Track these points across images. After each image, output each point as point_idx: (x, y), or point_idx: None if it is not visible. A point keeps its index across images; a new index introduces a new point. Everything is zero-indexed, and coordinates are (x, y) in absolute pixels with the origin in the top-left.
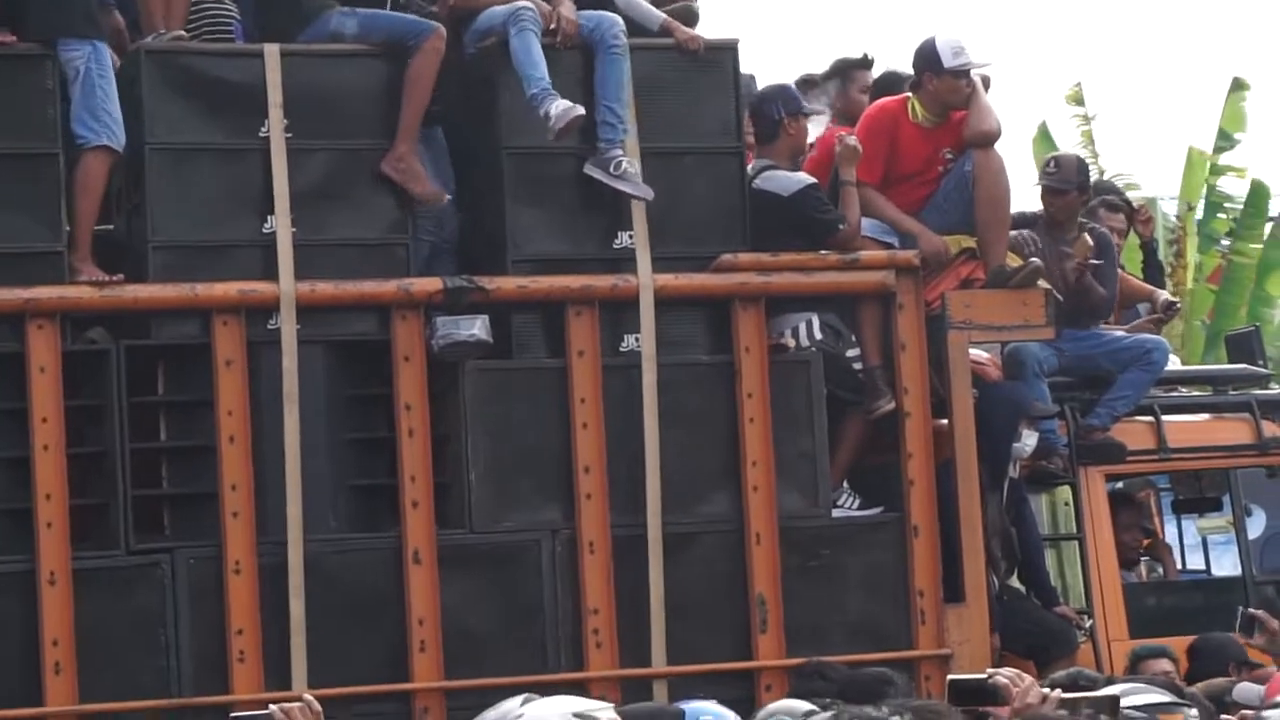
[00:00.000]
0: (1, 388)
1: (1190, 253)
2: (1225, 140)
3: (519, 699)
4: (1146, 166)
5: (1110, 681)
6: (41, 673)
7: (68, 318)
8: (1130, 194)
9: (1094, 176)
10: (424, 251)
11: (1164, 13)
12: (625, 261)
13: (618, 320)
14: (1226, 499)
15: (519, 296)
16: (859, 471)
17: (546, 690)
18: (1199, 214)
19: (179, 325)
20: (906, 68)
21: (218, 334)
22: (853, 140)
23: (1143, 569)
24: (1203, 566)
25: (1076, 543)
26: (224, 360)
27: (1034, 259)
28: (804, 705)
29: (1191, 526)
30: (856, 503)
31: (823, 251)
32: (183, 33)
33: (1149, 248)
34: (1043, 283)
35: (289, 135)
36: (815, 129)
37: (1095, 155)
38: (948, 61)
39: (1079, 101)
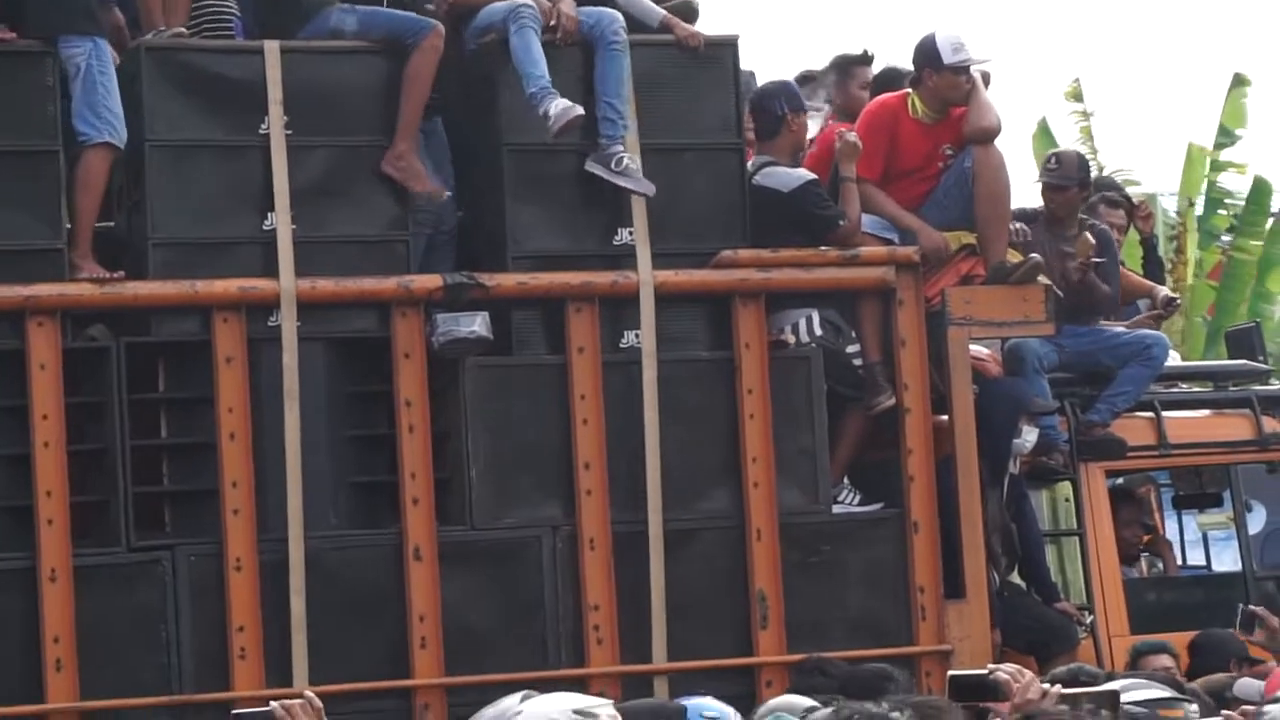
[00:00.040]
0: (2, 385)
1: (1190, 249)
2: (1226, 136)
3: (518, 696)
4: (1146, 163)
5: (1111, 677)
6: (42, 670)
7: (68, 315)
8: (1130, 190)
9: (1094, 173)
10: (420, 245)
11: (1165, 9)
12: (625, 258)
13: (618, 317)
14: (1227, 495)
15: (519, 293)
16: (859, 467)
17: (547, 687)
18: (1199, 210)
19: (179, 322)
20: (906, 64)
21: (218, 331)
22: (853, 136)
23: (1143, 565)
24: (1203, 562)
25: (1077, 538)
26: (224, 357)
27: (1034, 255)
28: (805, 701)
29: (1192, 522)
30: (857, 499)
31: (823, 248)
32: (183, 29)
33: (1149, 244)
34: (1043, 278)
35: (289, 132)
36: (813, 125)
37: (1094, 151)
38: (947, 58)
39: (1078, 98)
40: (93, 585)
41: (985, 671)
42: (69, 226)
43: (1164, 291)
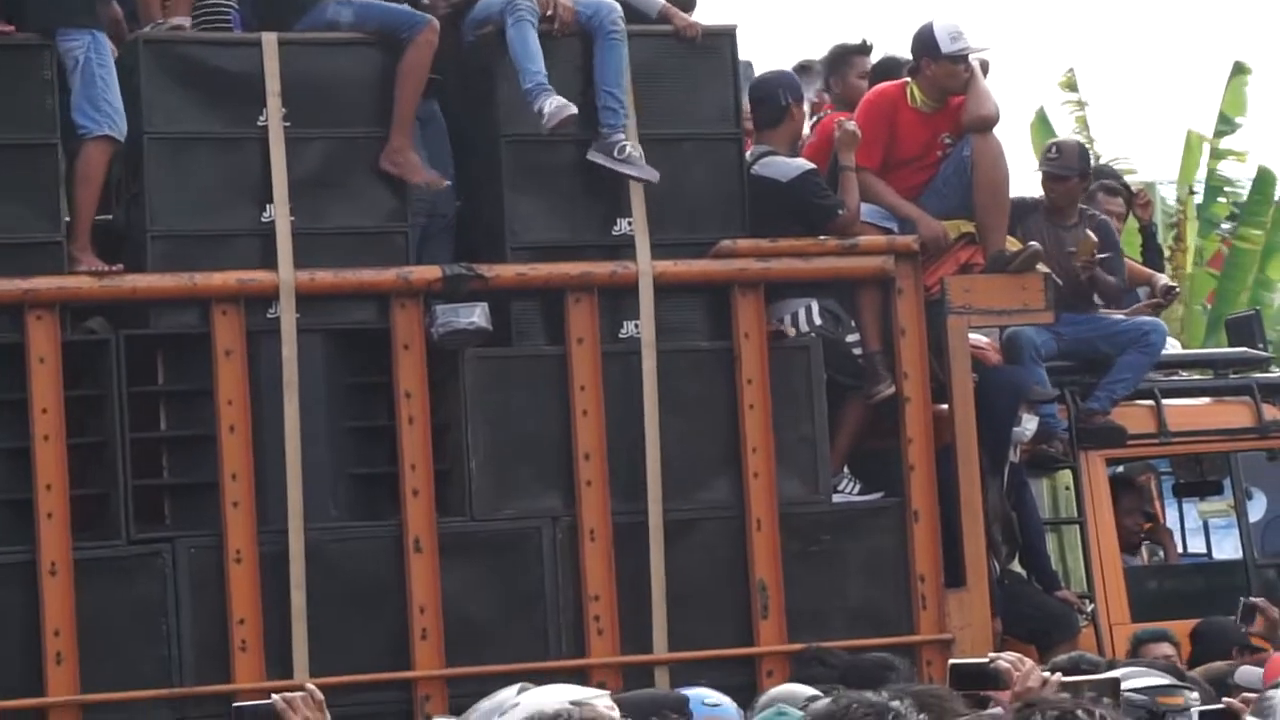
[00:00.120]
0: (1, 378)
1: (1190, 237)
2: (1226, 124)
3: (515, 688)
4: (1145, 151)
5: (1112, 665)
6: (43, 663)
7: (67, 308)
8: (1128, 179)
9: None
10: (415, 235)
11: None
12: (624, 248)
13: (617, 307)
14: (1227, 482)
15: (518, 284)
16: (859, 457)
17: (548, 678)
18: (1199, 198)
19: (178, 315)
20: (905, 53)
21: (217, 323)
22: (852, 125)
23: (1144, 553)
24: (1204, 550)
25: (1077, 527)
26: (223, 349)
27: (1033, 243)
28: (806, 690)
29: (1192, 510)
30: (857, 488)
31: (822, 237)
32: (185, 21)
33: (1148, 232)
34: (1041, 267)
35: (287, 124)
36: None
37: (1091, 141)
38: (945, 47)
39: (1072, 88)
40: (93, 578)
41: (986, 660)
42: (68, 220)
43: (1163, 280)
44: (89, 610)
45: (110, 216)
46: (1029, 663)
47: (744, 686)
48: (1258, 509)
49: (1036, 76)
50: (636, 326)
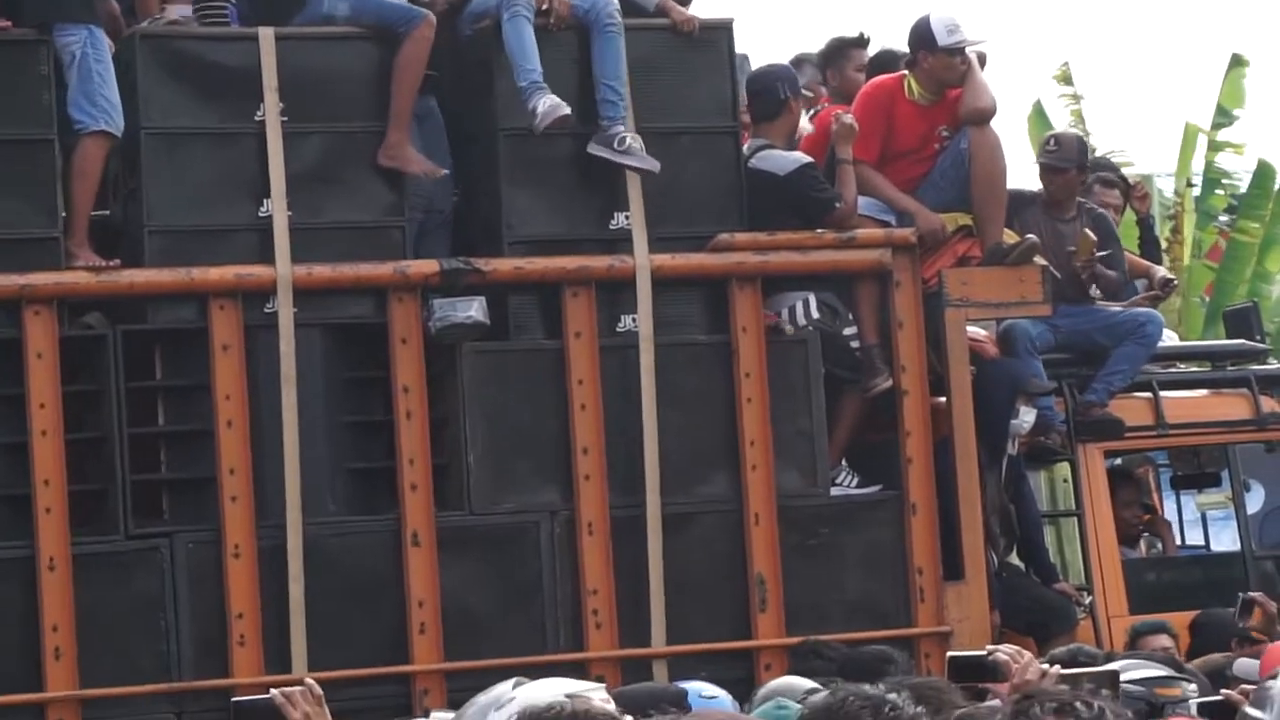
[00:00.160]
0: None
1: (1188, 229)
2: (1224, 117)
3: (510, 683)
4: (1142, 144)
5: (1110, 658)
6: (42, 658)
7: (65, 303)
8: (1125, 171)
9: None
10: (412, 230)
11: None
12: (622, 242)
13: (615, 301)
14: (1225, 474)
15: (515, 278)
16: (857, 450)
17: (546, 671)
18: (1196, 190)
19: (176, 309)
20: (902, 46)
21: (214, 318)
22: (849, 118)
23: (1142, 545)
24: (1202, 542)
25: (1075, 519)
26: (221, 344)
27: (1030, 235)
28: (805, 683)
29: (1190, 502)
30: (855, 481)
31: (819, 230)
32: (187, 9)
33: (1145, 224)
34: (1039, 259)
35: (284, 119)
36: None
37: (1087, 134)
38: (942, 40)
39: (1067, 81)
40: (91, 573)
41: (984, 652)
42: (65, 215)
43: (1161, 272)
44: (87, 605)
45: (107, 212)
46: (1027, 655)
47: (742, 680)
48: (1256, 501)
49: (1033, 70)
50: (634, 320)
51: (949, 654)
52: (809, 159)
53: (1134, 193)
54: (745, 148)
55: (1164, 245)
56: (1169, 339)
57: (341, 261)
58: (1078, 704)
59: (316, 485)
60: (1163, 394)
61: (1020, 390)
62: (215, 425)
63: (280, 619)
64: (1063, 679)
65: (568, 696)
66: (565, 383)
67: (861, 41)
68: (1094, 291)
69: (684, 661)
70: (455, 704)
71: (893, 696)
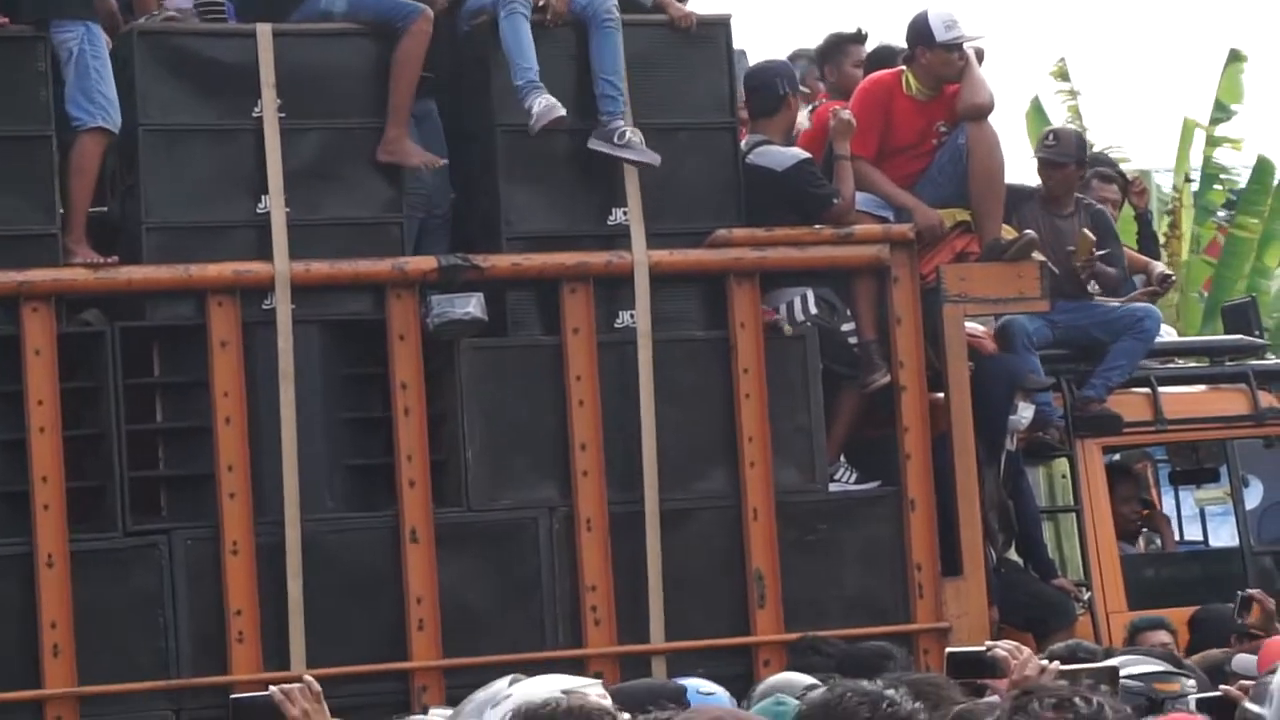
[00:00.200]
0: None
1: (1186, 224)
2: (1222, 112)
3: (506, 680)
4: (1139, 140)
5: (1109, 653)
6: (40, 655)
7: (62, 300)
8: (1123, 166)
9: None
10: (413, 229)
11: None
12: (619, 238)
13: (613, 297)
14: (1224, 470)
15: (513, 274)
16: (855, 446)
17: (545, 668)
18: (1195, 185)
19: (174, 306)
20: (900, 41)
21: (212, 315)
22: (847, 114)
23: (1141, 541)
24: (1200, 537)
25: (1074, 515)
26: (219, 341)
27: (1028, 231)
28: (804, 679)
29: (1189, 498)
30: (853, 477)
31: (817, 226)
32: (186, 3)
33: (1143, 219)
34: (1037, 255)
35: (282, 115)
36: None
37: (1084, 130)
38: (940, 35)
39: (1064, 77)
40: (89, 570)
41: (983, 648)
42: (62, 212)
43: (1159, 268)
44: (86, 602)
45: (105, 208)
46: (1027, 651)
47: (741, 676)
48: (1254, 496)
49: (1031, 66)
50: (632, 316)
51: (948, 650)
52: (807, 155)
53: (1132, 188)
54: (743, 143)
55: (1162, 240)
56: (1167, 334)
57: (339, 258)
58: (1076, 699)
59: (315, 482)
60: (1161, 389)
61: (1018, 386)
62: (213, 422)
63: (279, 616)
64: (1062, 675)
65: (564, 693)
66: (563, 379)
67: (859, 37)
68: (1092, 287)
69: (683, 658)
70: (454, 701)
71: (890, 692)
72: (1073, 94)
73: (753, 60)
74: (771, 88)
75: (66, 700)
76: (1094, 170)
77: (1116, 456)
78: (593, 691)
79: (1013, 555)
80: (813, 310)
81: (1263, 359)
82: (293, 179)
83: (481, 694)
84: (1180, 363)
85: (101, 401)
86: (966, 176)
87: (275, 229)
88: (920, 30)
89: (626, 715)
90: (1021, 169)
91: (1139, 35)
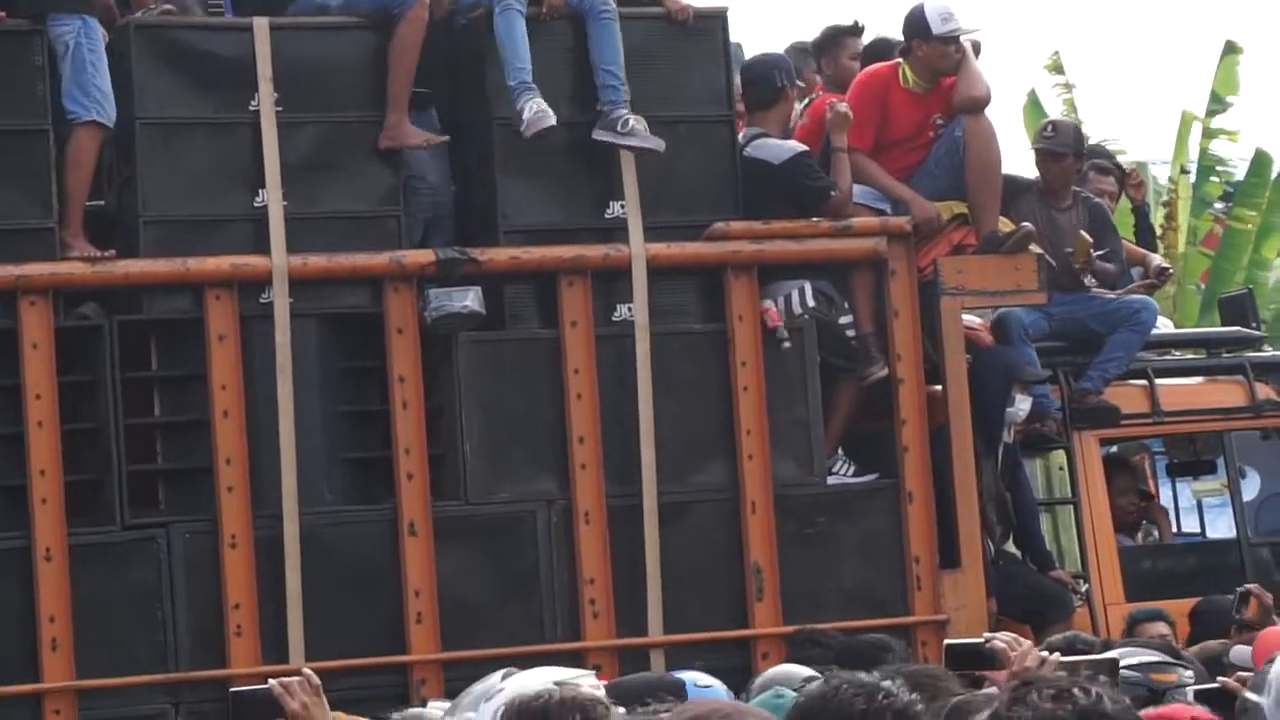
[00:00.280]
0: None
1: (1183, 216)
2: (1218, 104)
3: (500, 674)
4: (1135, 132)
5: (1107, 645)
6: (38, 649)
7: (60, 293)
8: (1119, 158)
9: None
10: (418, 229)
11: None
12: (617, 231)
13: (610, 290)
14: (1221, 462)
15: (511, 267)
16: (853, 439)
17: (543, 661)
18: (1191, 177)
19: (171, 300)
20: (896, 34)
21: (210, 308)
22: (844, 106)
23: (1140, 533)
24: (1198, 529)
25: (1072, 507)
26: (217, 335)
27: (1025, 224)
28: (803, 671)
29: (1186, 489)
30: (851, 470)
31: (814, 219)
32: (171, 7)
33: (1140, 211)
34: (1034, 247)
35: (279, 109)
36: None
37: (1080, 123)
38: (937, 28)
39: (1059, 70)
40: (88, 564)
41: (981, 640)
42: (59, 205)
43: (1157, 261)
44: (84, 596)
45: (102, 202)
46: (1025, 643)
47: (739, 669)
48: (1251, 488)
49: (1027, 59)
50: (630, 309)
51: (946, 642)
52: (804, 147)
53: (1129, 180)
54: (740, 136)
55: (1158, 232)
56: (1164, 326)
57: (337, 251)
58: (1075, 690)
59: (313, 475)
60: (1158, 381)
61: (1015, 378)
62: (211, 415)
63: (277, 609)
64: (1062, 666)
65: (556, 684)
66: (561, 372)
67: (856, 30)
68: (1089, 280)
69: (681, 651)
70: (452, 693)
71: (887, 684)
72: (1068, 87)
73: (749, 53)
74: (769, 80)
75: (65, 694)
76: (1091, 162)
77: (1114, 448)
78: (585, 683)
79: (1010, 547)
80: (810, 303)
81: (1260, 351)
82: (290, 172)
83: (479, 687)
84: (1177, 355)
85: (99, 395)
86: (963, 169)
87: (273, 222)
88: (917, 23)
89: (621, 709)
90: (1018, 162)
91: (1133, 28)
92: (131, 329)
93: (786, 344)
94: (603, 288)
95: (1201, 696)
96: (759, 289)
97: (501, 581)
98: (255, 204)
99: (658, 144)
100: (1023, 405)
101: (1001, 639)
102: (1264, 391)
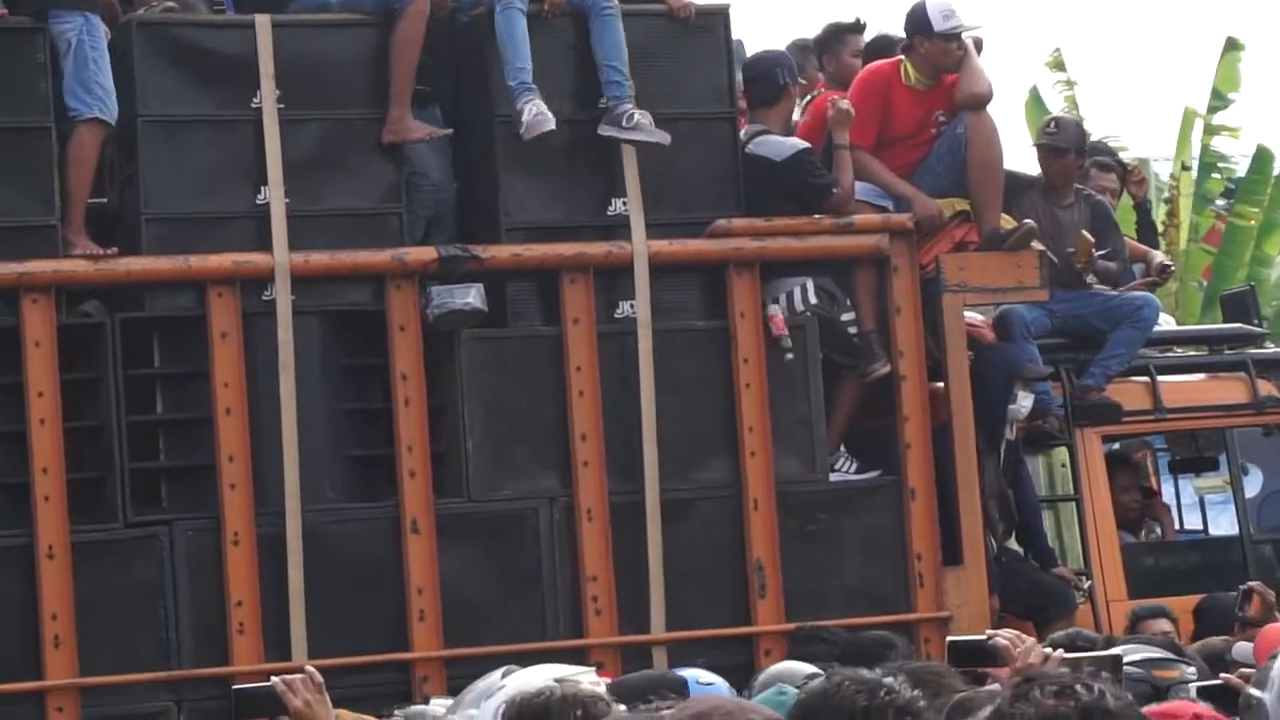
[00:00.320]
0: None
1: (1185, 213)
2: (1219, 100)
3: (500, 671)
4: (1136, 129)
5: (1110, 642)
6: (41, 646)
7: (62, 291)
8: (1121, 155)
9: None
10: (420, 225)
11: None
12: (619, 228)
13: (612, 287)
14: (1223, 458)
15: (513, 265)
16: (856, 435)
17: (546, 658)
18: (1194, 174)
19: (173, 297)
20: (898, 31)
21: (212, 306)
22: (845, 104)
23: (1142, 530)
24: (1200, 526)
25: (1074, 504)
26: (219, 332)
27: (1028, 220)
28: (805, 668)
29: (1189, 486)
30: (854, 466)
31: (817, 216)
32: (172, 4)
33: (1142, 208)
34: (1037, 244)
35: (281, 106)
36: None
37: (1081, 120)
38: (938, 25)
39: (1060, 67)
40: (90, 562)
41: (984, 637)
42: (61, 203)
43: (1159, 258)
44: (87, 594)
45: (104, 199)
46: (1029, 639)
47: (742, 666)
48: (1254, 485)
49: (1028, 56)
50: (632, 306)
51: (949, 639)
52: (806, 145)
53: (1131, 177)
54: (742, 133)
55: (1160, 229)
56: (1166, 323)
57: (339, 249)
58: (1078, 687)
59: (315, 473)
60: (1160, 378)
61: (1017, 375)
62: (214, 413)
63: (280, 607)
64: (1065, 663)
65: (556, 681)
66: (563, 369)
67: (857, 27)
68: (1089, 278)
69: (684, 648)
70: (455, 691)
71: (889, 680)
72: (1070, 84)
73: (751, 50)
74: (771, 77)
75: (68, 691)
76: (1093, 159)
77: (1116, 445)
78: (585, 680)
79: (1013, 544)
80: (812, 300)
81: (1262, 347)
82: (292, 169)
83: (481, 684)
84: (1179, 351)
85: (102, 393)
86: (965, 166)
87: (275, 220)
88: (918, 20)
89: (623, 707)
90: (1020, 159)
91: (1135, 24)
92: (134, 326)
93: (790, 356)
94: (605, 285)
95: (1204, 693)
96: (761, 286)
97: (504, 579)
98: (257, 201)
99: (663, 138)
100: (1025, 402)
101: (1004, 636)
102: (1266, 388)
